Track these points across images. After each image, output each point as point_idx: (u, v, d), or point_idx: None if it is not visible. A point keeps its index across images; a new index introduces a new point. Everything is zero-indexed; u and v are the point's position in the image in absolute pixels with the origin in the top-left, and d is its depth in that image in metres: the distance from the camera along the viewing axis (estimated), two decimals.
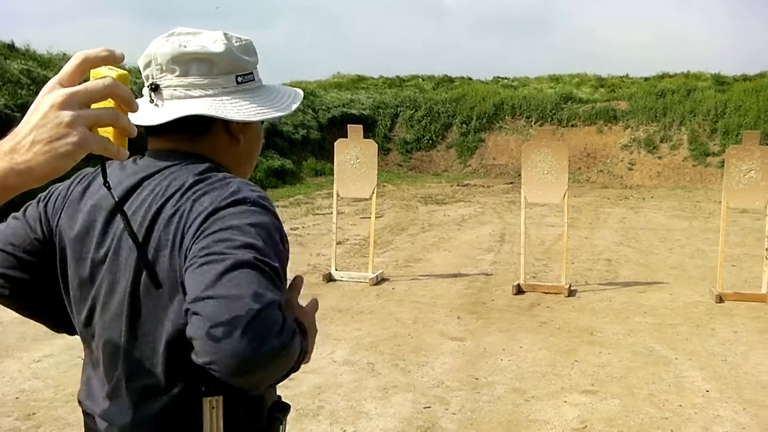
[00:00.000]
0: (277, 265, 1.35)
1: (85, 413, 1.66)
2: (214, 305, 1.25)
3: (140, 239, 1.47)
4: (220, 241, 1.34)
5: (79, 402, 1.69)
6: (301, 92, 1.78)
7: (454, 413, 5.36)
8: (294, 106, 1.71)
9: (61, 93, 0.99)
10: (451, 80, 32.98)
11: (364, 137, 10.08)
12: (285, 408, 1.67)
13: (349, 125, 10.35)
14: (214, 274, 1.28)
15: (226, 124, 1.61)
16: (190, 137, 1.59)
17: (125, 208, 1.50)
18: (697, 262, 10.84)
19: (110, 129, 1.07)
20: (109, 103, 1.05)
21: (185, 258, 1.38)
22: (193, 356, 1.27)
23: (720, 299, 8.44)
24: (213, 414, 1.48)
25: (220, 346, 1.22)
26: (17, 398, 5.57)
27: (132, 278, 1.48)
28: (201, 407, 1.49)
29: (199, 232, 1.38)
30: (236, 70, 1.60)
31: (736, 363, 6.45)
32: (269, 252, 1.35)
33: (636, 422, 5.21)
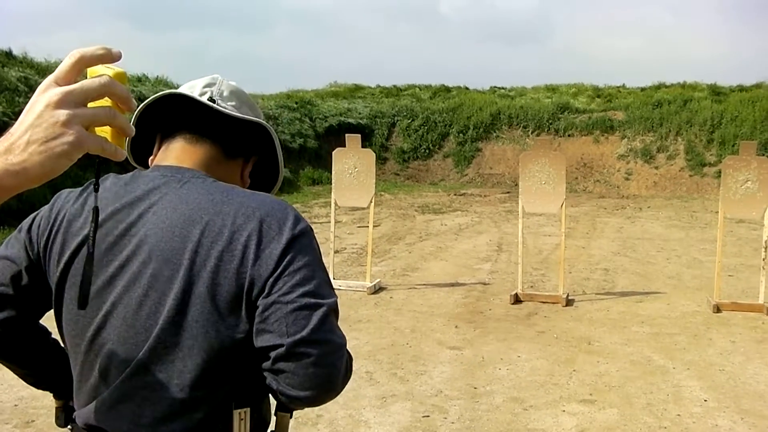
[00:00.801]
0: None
1: None
2: (322, 350, 1.49)
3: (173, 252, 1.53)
4: (306, 280, 1.52)
5: (87, 426, 1.63)
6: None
7: (452, 422, 5.37)
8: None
9: (57, 92, 0.98)
10: (448, 90, 32.99)
11: (362, 146, 10.09)
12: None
13: (347, 135, 10.36)
14: (317, 320, 1.49)
15: (244, 164, 1.80)
16: (221, 155, 1.73)
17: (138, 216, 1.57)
18: (695, 271, 10.86)
19: (108, 129, 1.06)
20: (106, 102, 1.04)
21: (266, 285, 1.50)
22: (275, 383, 1.51)
23: (717, 309, 8.46)
24: (242, 425, 1.55)
25: (323, 385, 1.51)
26: (16, 405, 5.57)
27: (175, 291, 1.51)
28: (225, 421, 1.55)
29: (281, 266, 1.51)
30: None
31: (734, 373, 6.46)
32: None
33: (634, 431, 5.21)
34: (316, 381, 1.49)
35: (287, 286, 1.49)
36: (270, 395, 1.67)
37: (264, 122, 1.79)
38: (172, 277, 1.50)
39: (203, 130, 1.72)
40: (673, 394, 5.93)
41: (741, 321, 8.11)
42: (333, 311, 1.54)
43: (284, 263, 1.50)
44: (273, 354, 1.48)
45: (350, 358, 1.60)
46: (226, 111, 1.71)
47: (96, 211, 1.29)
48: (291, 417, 1.72)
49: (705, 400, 5.81)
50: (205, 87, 1.75)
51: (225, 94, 1.75)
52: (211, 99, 1.72)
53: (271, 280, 1.49)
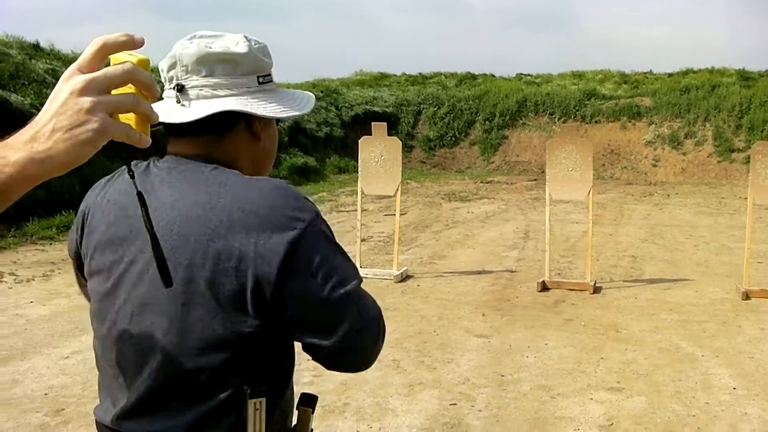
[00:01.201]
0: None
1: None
2: (362, 341, 1.61)
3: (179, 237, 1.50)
4: (329, 273, 1.51)
5: (104, 425, 1.65)
6: (313, 96, 1.82)
7: (480, 410, 5.37)
8: (310, 106, 1.76)
9: (81, 79, 0.98)
10: (473, 77, 32.81)
11: (388, 135, 10.08)
12: (313, 399, 1.73)
13: (373, 123, 10.36)
14: (353, 313, 1.55)
15: (248, 123, 1.65)
16: (212, 138, 1.62)
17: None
18: (723, 258, 10.78)
19: (132, 116, 1.06)
20: (129, 88, 1.03)
21: (281, 283, 1.47)
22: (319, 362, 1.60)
23: (746, 296, 8.39)
24: (257, 415, 1.52)
25: (364, 363, 1.68)
26: (46, 394, 5.63)
27: (177, 292, 1.50)
28: (238, 411, 1.53)
29: (294, 263, 1.48)
30: (258, 70, 1.65)
31: (764, 360, 6.41)
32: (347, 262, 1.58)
33: (662, 420, 5.19)
34: (358, 362, 1.67)
35: (312, 284, 1.49)
36: (292, 388, 1.69)
37: (234, 91, 1.61)
38: (173, 277, 1.46)
39: (177, 131, 1.63)
40: (702, 382, 5.90)
41: None
42: (360, 290, 1.57)
43: (297, 260, 1.47)
44: (317, 352, 1.57)
45: (382, 321, 1.67)
46: (187, 117, 1.57)
47: (141, 195, 1.28)
48: (313, 412, 1.71)
49: (734, 388, 5.78)
50: (169, 71, 1.62)
51: (190, 67, 1.59)
52: (179, 86, 1.59)
53: (286, 277, 1.46)
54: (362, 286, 1.59)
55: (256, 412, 1.51)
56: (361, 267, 9.54)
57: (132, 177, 1.28)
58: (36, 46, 18.44)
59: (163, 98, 1.62)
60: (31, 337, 6.94)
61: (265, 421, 1.53)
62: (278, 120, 1.72)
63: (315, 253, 1.49)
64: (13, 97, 14.07)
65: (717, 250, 11.45)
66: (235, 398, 1.52)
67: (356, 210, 10.26)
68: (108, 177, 1.75)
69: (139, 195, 1.28)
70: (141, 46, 1.04)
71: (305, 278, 1.48)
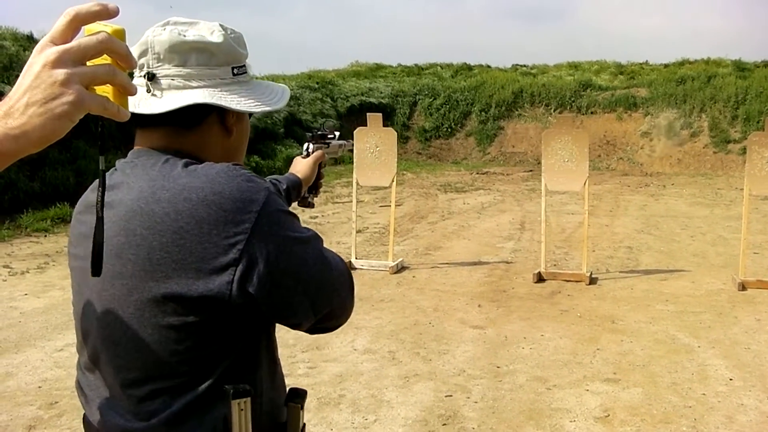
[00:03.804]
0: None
1: None
2: (336, 309, 1.64)
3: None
4: (293, 266, 1.48)
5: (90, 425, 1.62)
6: (288, 89, 1.77)
7: (475, 402, 5.36)
8: (285, 100, 1.70)
9: (54, 51, 0.94)
10: (469, 68, 32.80)
11: (383, 126, 10.06)
12: (302, 394, 1.68)
13: (368, 113, 10.34)
14: (327, 289, 1.57)
15: (220, 117, 1.59)
16: (181, 130, 1.55)
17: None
18: (719, 249, 10.77)
19: (109, 88, 1.01)
20: (105, 59, 0.99)
21: (245, 277, 1.41)
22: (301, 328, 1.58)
23: (742, 287, 8.38)
24: (242, 416, 1.46)
25: (341, 321, 1.71)
26: (40, 387, 5.61)
27: (127, 289, 1.45)
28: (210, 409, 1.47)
29: (251, 257, 1.42)
30: (232, 61, 1.59)
31: (760, 351, 6.40)
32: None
33: (659, 411, 5.18)
34: (336, 324, 1.70)
35: (277, 278, 1.43)
36: (280, 382, 1.65)
37: (207, 82, 1.55)
38: (123, 274, 1.44)
39: (145, 122, 1.55)
40: (698, 373, 5.89)
41: (767, 299, 8.04)
42: (317, 248, 1.54)
43: (255, 253, 1.40)
44: (296, 327, 1.59)
45: (346, 267, 1.65)
46: (158, 108, 1.50)
47: (103, 174, 1.23)
48: (302, 408, 1.66)
49: (730, 379, 5.77)
50: (140, 59, 1.53)
51: (162, 55, 1.51)
52: (149, 74, 1.51)
53: (248, 271, 1.40)
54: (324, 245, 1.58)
55: (241, 412, 1.45)
56: (356, 258, 9.55)
57: (102, 153, 1.21)
58: (30, 38, 18.36)
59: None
60: (25, 329, 6.91)
61: (251, 421, 1.47)
62: (251, 114, 1.68)
63: (270, 241, 1.42)
64: (8, 89, 13.94)
65: (713, 241, 11.44)
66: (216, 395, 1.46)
67: (351, 201, 10.24)
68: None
69: (101, 173, 1.23)
70: (115, 16, 1.00)
71: (266, 270, 1.42)
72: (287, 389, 1.68)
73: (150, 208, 1.42)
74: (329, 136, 2.68)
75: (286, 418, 1.65)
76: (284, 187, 2.30)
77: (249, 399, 1.46)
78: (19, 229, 11.69)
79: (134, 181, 1.48)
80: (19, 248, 10.66)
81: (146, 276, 1.42)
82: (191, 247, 1.39)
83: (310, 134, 2.63)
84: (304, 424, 1.70)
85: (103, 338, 1.52)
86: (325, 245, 1.58)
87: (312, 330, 1.61)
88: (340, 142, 2.75)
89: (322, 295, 1.55)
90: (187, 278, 1.39)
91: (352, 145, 2.83)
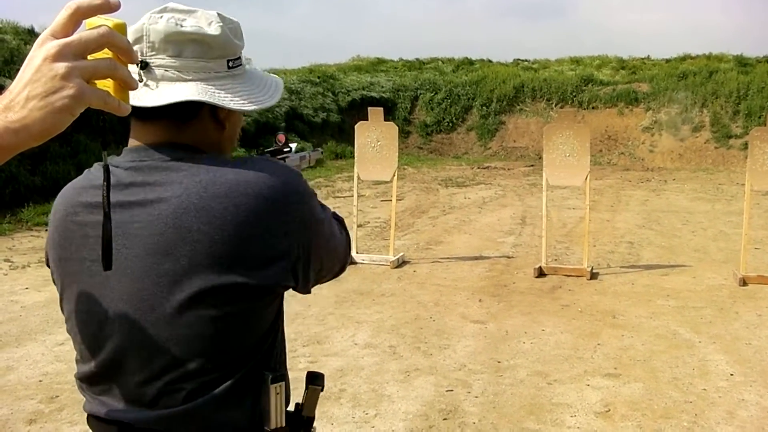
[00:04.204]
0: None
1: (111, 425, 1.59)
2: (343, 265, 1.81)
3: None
4: (325, 254, 1.69)
5: (100, 418, 1.62)
6: (281, 80, 1.74)
7: (476, 396, 5.36)
8: (277, 98, 1.67)
9: (54, 44, 0.94)
10: (471, 62, 32.76)
11: (385, 120, 10.05)
12: (320, 377, 1.73)
13: (369, 108, 10.33)
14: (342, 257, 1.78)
15: (213, 110, 1.56)
16: (177, 123, 1.53)
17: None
18: (720, 244, 10.76)
19: (110, 82, 1.01)
20: (106, 53, 0.99)
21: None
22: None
23: (743, 282, 8.38)
24: (278, 399, 1.54)
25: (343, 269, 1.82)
26: (40, 381, 5.61)
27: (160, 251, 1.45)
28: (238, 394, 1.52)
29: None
30: (228, 54, 1.55)
31: (761, 346, 6.40)
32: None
33: (660, 406, 5.18)
34: (338, 275, 1.82)
35: (313, 257, 1.58)
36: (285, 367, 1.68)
37: (201, 75, 1.52)
38: (172, 271, 1.45)
39: (139, 114, 1.50)
40: (699, 368, 5.89)
41: (767, 294, 8.05)
42: (332, 225, 1.70)
43: (302, 238, 1.54)
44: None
45: (346, 229, 1.82)
46: (152, 101, 1.47)
47: (107, 169, 1.23)
48: (322, 390, 1.72)
49: (731, 374, 5.76)
50: (134, 45, 1.39)
51: (157, 44, 1.47)
52: (142, 63, 1.47)
53: (299, 256, 1.53)
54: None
55: (277, 395, 1.54)
56: (357, 253, 9.54)
57: (104, 148, 1.23)
58: (31, 32, 18.35)
59: None
60: (25, 323, 6.92)
61: (284, 404, 1.57)
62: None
63: (311, 215, 1.57)
64: (9, 83, 13.99)
65: (714, 236, 11.43)
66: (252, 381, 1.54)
67: (353, 195, 10.23)
68: None
69: (105, 168, 1.23)
70: (117, 10, 1.00)
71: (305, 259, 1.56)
72: (294, 379, 1.71)
73: (206, 203, 1.43)
74: (284, 150, 2.65)
75: (302, 400, 1.70)
76: None
77: (284, 383, 1.55)
78: (20, 223, 11.70)
79: (174, 179, 1.47)
80: (20, 242, 10.67)
81: (205, 269, 1.43)
82: (253, 238, 1.45)
83: (263, 148, 2.63)
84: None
85: (130, 338, 1.51)
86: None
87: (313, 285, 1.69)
88: (301, 154, 2.77)
89: (332, 260, 1.71)
90: (248, 268, 1.44)
91: (321, 153, 2.82)
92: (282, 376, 1.54)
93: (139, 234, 1.42)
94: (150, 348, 1.49)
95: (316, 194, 1.61)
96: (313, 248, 1.56)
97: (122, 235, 1.44)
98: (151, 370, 1.50)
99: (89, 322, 1.57)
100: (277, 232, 1.47)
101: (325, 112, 25.37)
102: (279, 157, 2.52)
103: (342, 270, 1.81)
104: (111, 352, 1.55)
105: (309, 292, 1.64)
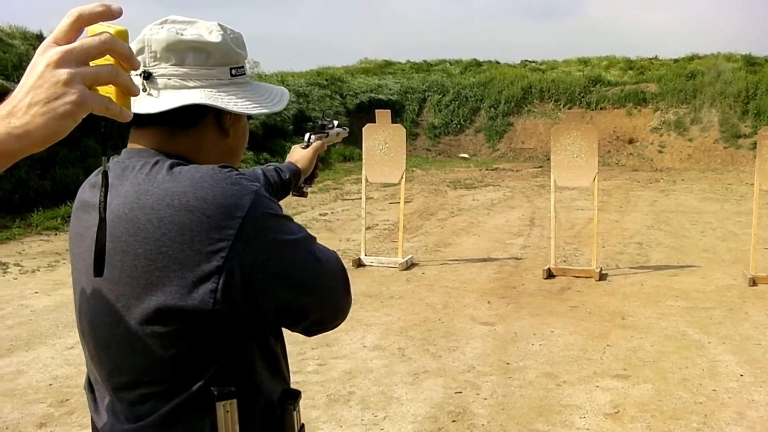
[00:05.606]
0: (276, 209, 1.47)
1: None
2: (331, 315, 1.59)
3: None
4: (288, 272, 1.47)
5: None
6: (287, 91, 1.74)
7: (485, 398, 5.35)
8: (284, 102, 1.66)
9: (57, 51, 0.94)
10: (478, 64, 32.71)
11: (392, 122, 10.05)
12: (295, 395, 1.62)
13: (377, 110, 10.35)
14: (321, 293, 1.53)
15: (217, 118, 1.55)
16: (176, 130, 1.51)
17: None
18: (730, 245, 10.73)
19: (112, 89, 1.02)
20: (108, 60, 1.00)
21: (233, 288, 1.38)
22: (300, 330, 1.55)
23: (753, 282, 8.36)
24: (228, 418, 1.43)
25: (338, 322, 1.62)
26: (50, 385, 5.63)
27: (115, 296, 1.43)
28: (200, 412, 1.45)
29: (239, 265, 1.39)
30: (230, 62, 1.55)
31: None
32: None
33: (669, 407, 5.17)
34: (332, 325, 1.62)
35: (264, 283, 1.40)
36: (278, 383, 1.60)
37: (204, 82, 1.51)
38: (111, 279, 1.41)
39: (139, 121, 1.49)
40: (709, 369, 5.88)
41: None
42: (308, 249, 1.48)
43: (239, 260, 1.36)
44: (290, 329, 1.57)
45: (341, 267, 1.58)
46: (153, 107, 1.47)
47: (105, 175, 1.23)
48: (296, 410, 1.60)
49: (741, 375, 5.75)
50: (137, 55, 1.47)
51: (159, 54, 1.48)
52: (145, 73, 1.48)
53: (232, 279, 1.36)
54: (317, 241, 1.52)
55: (226, 414, 1.42)
56: (366, 255, 9.55)
57: (104, 154, 1.23)
58: (39, 37, 18.38)
59: None
60: (35, 327, 6.94)
61: (237, 423, 1.44)
62: (249, 116, 1.64)
63: (263, 234, 1.39)
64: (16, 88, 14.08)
65: (723, 237, 11.41)
66: (198, 399, 1.44)
67: (361, 198, 10.24)
68: None
69: (104, 174, 1.23)
70: (119, 17, 1.00)
71: (263, 277, 1.41)
72: (302, 384, 1.68)
73: (134, 214, 1.39)
74: (329, 126, 2.70)
75: (279, 417, 1.59)
76: (287, 177, 2.35)
77: (235, 401, 1.43)
78: (29, 228, 11.72)
79: (121, 185, 1.44)
80: (30, 246, 10.69)
81: (132, 283, 1.39)
82: (174, 255, 1.36)
83: (311, 124, 2.67)
84: (303, 425, 1.65)
85: (95, 340, 1.51)
86: (330, 243, 1.57)
87: (307, 332, 1.58)
88: (338, 129, 2.79)
89: (313, 297, 1.51)
90: (171, 287, 1.36)
91: (348, 132, 2.87)
92: (231, 393, 1.43)
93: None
94: (111, 355, 1.48)
95: (287, 216, 1.47)
96: (264, 272, 1.40)
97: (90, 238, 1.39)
98: (116, 380, 1.50)
99: (77, 317, 1.59)
100: (203, 250, 1.35)
101: (329, 110, 25.36)
102: (324, 131, 2.59)
103: (336, 312, 1.60)
104: (87, 349, 1.57)
105: (305, 333, 1.60)
